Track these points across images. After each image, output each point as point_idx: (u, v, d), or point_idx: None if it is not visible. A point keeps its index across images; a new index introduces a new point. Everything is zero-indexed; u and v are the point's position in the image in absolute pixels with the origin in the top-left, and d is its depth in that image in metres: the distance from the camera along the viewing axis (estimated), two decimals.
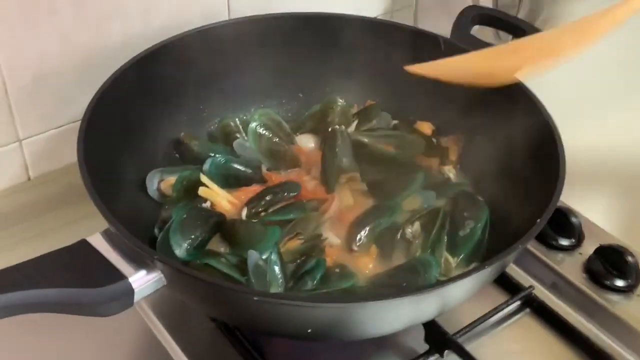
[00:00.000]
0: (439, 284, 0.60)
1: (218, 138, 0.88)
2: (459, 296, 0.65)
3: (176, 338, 0.76)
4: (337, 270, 0.73)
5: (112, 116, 0.77)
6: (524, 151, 0.79)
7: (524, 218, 0.75)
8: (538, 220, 0.65)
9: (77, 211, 0.89)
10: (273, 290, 0.69)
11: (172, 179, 0.81)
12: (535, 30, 0.86)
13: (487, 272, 0.62)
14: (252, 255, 0.70)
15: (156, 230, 0.78)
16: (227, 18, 0.94)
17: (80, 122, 0.73)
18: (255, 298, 0.59)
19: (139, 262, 0.62)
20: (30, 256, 0.81)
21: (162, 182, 0.81)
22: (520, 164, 0.79)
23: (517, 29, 0.88)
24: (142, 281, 0.61)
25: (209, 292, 0.61)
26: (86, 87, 0.86)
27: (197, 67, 0.88)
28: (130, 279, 0.61)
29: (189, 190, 0.80)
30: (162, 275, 0.62)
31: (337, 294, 0.69)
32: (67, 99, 0.87)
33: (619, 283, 0.82)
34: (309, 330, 0.62)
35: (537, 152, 0.77)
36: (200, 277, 0.59)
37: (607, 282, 0.82)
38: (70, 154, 0.88)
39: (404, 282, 0.71)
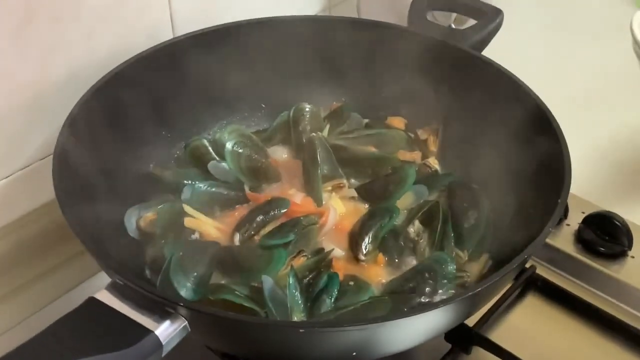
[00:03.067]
0: (491, 280, 0.57)
1: (188, 162, 0.83)
2: (499, 290, 0.63)
3: None
4: (351, 283, 0.70)
5: (77, 160, 0.71)
6: (509, 132, 0.78)
7: (517, 201, 0.75)
8: (559, 201, 0.64)
9: (41, 265, 0.82)
10: (296, 315, 0.65)
11: (150, 215, 0.75)
12: (495, 10, 0.85)
13: (524, 262, 0.61)
14: (267, 281, 0.66)
15: (148, 272, 0.72)
16: (171, 36, 0.88)
17: (47, 163, 0.67)
18: (301, 330, 0.55)
19: (160, 313, 0.56)
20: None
21: (140, 220, 0.75)
22: (506, 146, 0.78)
23: (475, 10, 0.87)
24: (169, 332, 0.56)
25: (246, 332, 0.56)
26: (35, 128, 0.80)
27: (152, 92, 0.82)
28: (157, 332, 0.56)
29: (173, 224, 0.75)
30: (186, 322, 0.57)
31: (362, 309, 0.66)
32: (16, 144, 0.79)
33: (612, 248, 0.82)
34: (354, 354, 0.58)
35: (526, 130, 0.76)
36: (241, 319, 0.55)
37: (601, 249, 0.83)
38: (26, 203, 0.82)
39: (423, 283, 0.68)
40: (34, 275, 0.81)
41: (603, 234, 0.83)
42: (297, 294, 0.66)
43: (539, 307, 0.80)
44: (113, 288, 0.58)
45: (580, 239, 0.84)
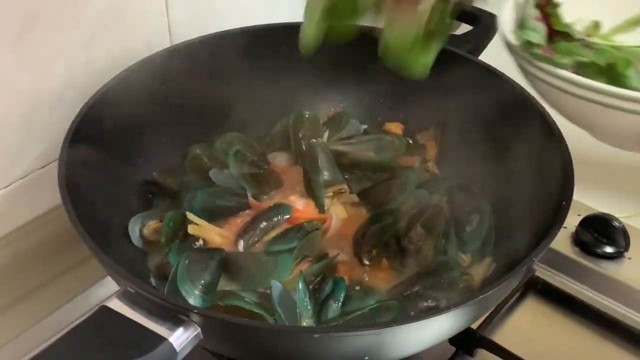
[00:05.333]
0: (501, 282, 0.58)
1: (189, 170, 0.83)
2: (507, 293, 0.64)
3: None
4: (357, 287, 0.71)
5: (80, 168, 0.70)
6: (508, 135, 0.79)
7: (519, 204, 0.75)
8: (563, 203, 0.65)
9: (41, 274, 0.82)
10: (305, 321, 0.65)
11: (154, 223, 0.75)
12: (490, 16, 0.86)
13: (532, 264, 0.61)
14: (276, 287, 0.66)
15: (153, 280, 0.72)
16: (169, 44, 0.88)
17: (58, 178, 0.66)
18: (316, 336, 0.55)
19: (174, 320, 0.56)
20: None
21: (144, 228, 0.75)
22: (505, 150, 0.79)
23: (470, 16, 0.88)
24: (182, 339, 0.56)
25: (260, 338, 0.57)
26: (34, 137, 0.79)
27: (151, 99, 0.82)
28: (171, 339, 0.55)
29: (177, 232, 0.75)
30: (199, 329, 0.57)
31: (370, 314, 0.66)
32: (13, 153, 0.78)
33: (610, 249, 0.83)
34: (367, 358, 0.58)
35: (525, 134, 0.77)
36: (256, 325, 0.55)
37: (599, 251, 0.83)
38: (26, 213, 0.82)
39: (429, 287, 0.69)
40: (34, 284, 0.80)
41: (600, 236, 0.84)
42: (306, 299, 0.66)
43: (539, 308, 0.81)
44: (124, 296, 0.58)
45: (578, 241, 0.84)
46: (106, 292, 0.80)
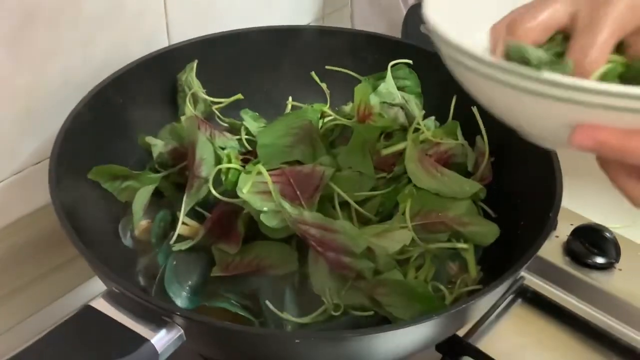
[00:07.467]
0: (483, 293, 0.58)
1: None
2: (491, 302, 0.64)
3: None
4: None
5: (73, 167, 0.71)
6: (500, 143, 0.79)
7: (508, 213, 0.76)
8: (550, 214, 0.65)
9: (33, 270, 0.82)
10: (290, 324, 0.65)
11: (145, 223, 0.75)
12: None
13: (516, 275, 0.61)
14: (263, 289, 0.66)
15: (142, 280, 0.72)
16: (167, 44, 0.88)
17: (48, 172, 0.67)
18: (297, 341, 0.55)
19: (157, 321, 0.57)
20: None
21: (135, 228, 0.75)
22: (497, 158, 0.80)
23: None
24: (165, 341, 0.57)
25: (242, 341, 0.57)
26: (29, 133, 0.80)
27: (147, 98, 0.83)
28: (153, 341, 0.56)
29: (167, 232, 0.75)
30: (182, 331, 0.57)
31: (353, 318, 0.66)
32: (9, 149, 0.79)
33: (601, 260, 0.83)
34: None
35: (517, 143, 0.76)
36: (237, 329, 0.55)
37: (589, 261, 0.83)
38: (19, 208, 0.82)
39: None
40: (26, 280, 0.81)
41: (591, 247, 0.84)
42: (293, 304, 0.66)
43: (528, 317, 0.81)
44: (109, 296, 0.58)
45: (569, 250, 0.85)
46: (97, 290, 0.80)
